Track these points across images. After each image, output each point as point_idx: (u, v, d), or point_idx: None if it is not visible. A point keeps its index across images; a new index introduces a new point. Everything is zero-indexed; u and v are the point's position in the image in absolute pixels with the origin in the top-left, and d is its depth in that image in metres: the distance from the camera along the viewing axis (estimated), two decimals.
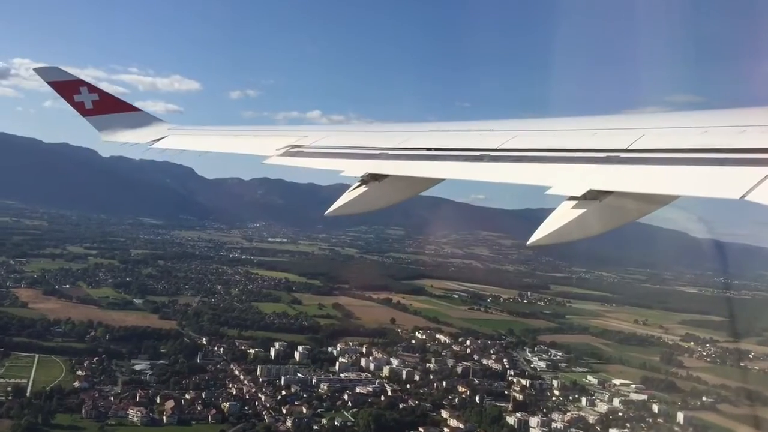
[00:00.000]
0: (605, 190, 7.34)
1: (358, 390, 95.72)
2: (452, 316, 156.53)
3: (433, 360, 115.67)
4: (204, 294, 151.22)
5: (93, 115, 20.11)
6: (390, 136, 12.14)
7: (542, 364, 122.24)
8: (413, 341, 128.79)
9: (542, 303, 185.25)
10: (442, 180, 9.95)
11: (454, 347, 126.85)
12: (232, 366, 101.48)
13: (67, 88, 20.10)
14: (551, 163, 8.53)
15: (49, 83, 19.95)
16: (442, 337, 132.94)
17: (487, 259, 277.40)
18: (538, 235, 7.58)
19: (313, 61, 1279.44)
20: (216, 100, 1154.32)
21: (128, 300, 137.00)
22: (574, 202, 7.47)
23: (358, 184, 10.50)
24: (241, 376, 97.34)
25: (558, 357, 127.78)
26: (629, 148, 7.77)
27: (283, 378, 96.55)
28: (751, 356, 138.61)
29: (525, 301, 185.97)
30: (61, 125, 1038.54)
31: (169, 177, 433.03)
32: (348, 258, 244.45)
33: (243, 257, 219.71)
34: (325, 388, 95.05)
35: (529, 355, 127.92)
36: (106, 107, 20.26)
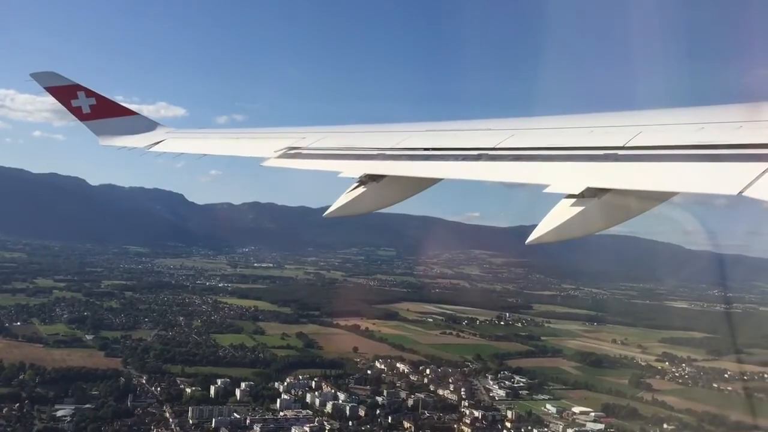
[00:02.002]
0: (603, 187, 7.44)
1: (293, 430, 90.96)
2: (421, 342, 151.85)
3: (385, 392, 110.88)
4: (163, 327, 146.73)
5: (91, 120, 20.24)
6: (387, 136, 12.19)
7: (502, 393, 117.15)
8: (369, 372, 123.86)
9: (520, 324, 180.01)
10: (440, 180, 9.88)
11: (412, 377, 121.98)
12: (164, 408, 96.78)
13: (65, 93, 20.20)
14: (549, 161, 8.59)
15: (47, 88, 20.07)
16: (401, 367, 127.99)
17: (477, 279, 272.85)
18: (536, 234, 7.68)
19: (297, 83, 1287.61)
20: (203, 125, 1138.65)
21: (78, 337, 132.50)
22: (572, 200, 7.59)
23: (356, 185, 10.50)
24: (170, 419, 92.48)
25: (521, 384, 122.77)
26: (627, 145, 7.87)
27: (214, 420, 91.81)
28: (726, 376, 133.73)
29: (502, 323, 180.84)
30: (50, 155, 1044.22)
31: (159, 204, 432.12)
32: (331, 282, 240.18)
33: (220, 285, 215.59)
34: (258, 429, 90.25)
35: (491, 382, 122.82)
36: (104, 111, 20.41)
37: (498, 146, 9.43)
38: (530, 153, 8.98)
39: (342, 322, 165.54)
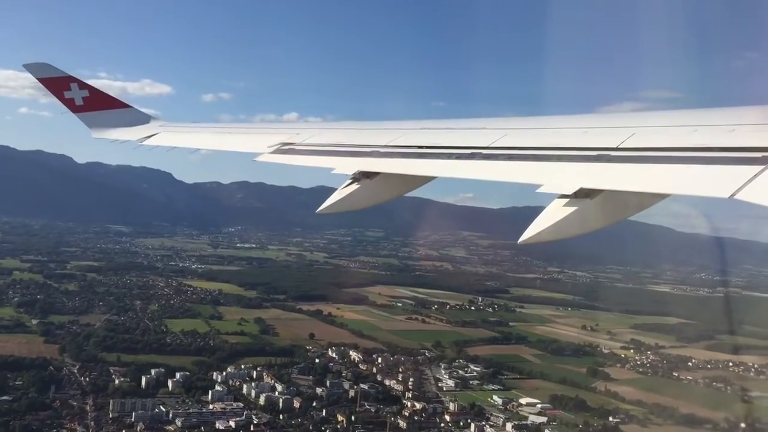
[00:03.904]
0: (596, 188, 7.42)
1: (217, 425, 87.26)
2: (382, 329, 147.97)
3: (328, 383, 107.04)
4: (116, 311, 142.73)
5: (83, 112, 20.10)
6: (381, 133, 12.24)
7: (452, 383, 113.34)
8: (317, 360, 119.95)
9: (490, 309, 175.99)
10: (434, 178, 10.08)
11: (361, 366, 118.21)
12: (86, 400, 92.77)
13: (58, 84, 19.98)
14: (542, 161, 8.65)
15: (40, 80, 19.90)
16: (353, 354, 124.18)
17: (462, 261, 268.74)
18: (528, 234, 7.63)
19: (285, 63, 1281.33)
20: (190, 103, 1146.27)
21: (23, 321, 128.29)
22: (565, 200, 7.55)
23: (350, 181, 10.57)
24: (90, 413, 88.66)
25: (474, 373, 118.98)
26: (620, 146, 7.82)
27: (134, 413, 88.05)
28: (690, 364, 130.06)
29: (473, 308, 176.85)
30: (36, 132, 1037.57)
31: (146, 182, 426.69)
32: (310, 264, 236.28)
33: (193, 266, 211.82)
34: (179, 423, 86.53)
35: (443, 372, 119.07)
36: (97, 104, 20.26)
37: (491, 145, 9.49)
38: (524, 153, 9.05)
39: (306, 307, 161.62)
